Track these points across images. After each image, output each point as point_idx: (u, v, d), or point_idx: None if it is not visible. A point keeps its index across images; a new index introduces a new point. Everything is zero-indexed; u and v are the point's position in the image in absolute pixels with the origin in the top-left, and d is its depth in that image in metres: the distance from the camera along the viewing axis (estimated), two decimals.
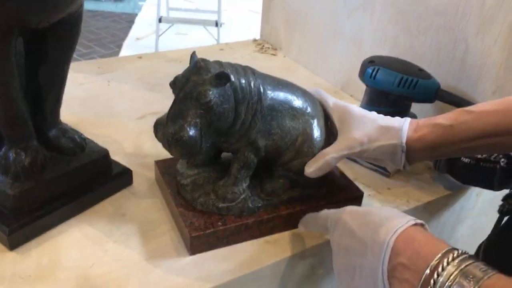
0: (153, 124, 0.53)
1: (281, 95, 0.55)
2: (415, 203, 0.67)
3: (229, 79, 0.50)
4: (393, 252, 0.41)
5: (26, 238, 0.54)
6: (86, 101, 0.86)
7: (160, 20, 3.17)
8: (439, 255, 0.38)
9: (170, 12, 3.56)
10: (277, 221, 0.57)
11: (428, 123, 0.53)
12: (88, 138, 0.64)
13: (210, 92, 0.49)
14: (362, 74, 0.73)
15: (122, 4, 4.36)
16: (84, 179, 0.60)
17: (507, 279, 0.36)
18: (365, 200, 0.65)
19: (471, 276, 0.36)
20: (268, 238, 0.58)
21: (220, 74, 0.49)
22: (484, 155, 0.64)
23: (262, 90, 0.53)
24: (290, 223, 0.58)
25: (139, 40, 3.62)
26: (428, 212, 0.69)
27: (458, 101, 0.70)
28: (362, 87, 0.75)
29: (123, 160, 0.67)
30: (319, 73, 1.06)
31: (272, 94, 0.54)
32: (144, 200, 0.62)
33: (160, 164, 0.64)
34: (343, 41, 0.97)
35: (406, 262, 0.40)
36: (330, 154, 0.54)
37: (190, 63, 0.53)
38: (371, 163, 0.73)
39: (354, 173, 0.72)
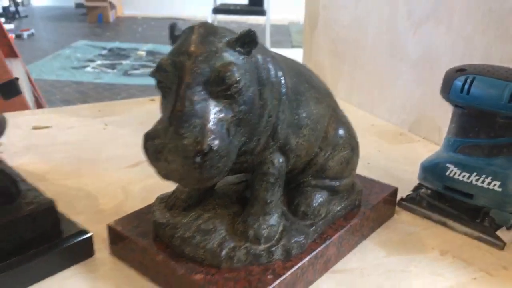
0: (145, 170, 0.34)
1: (296, 71, 0.39)
2: None
3: (256, 42, 0.32)
4: None
5: None
6: (68, 147, 0.66)
7: None
8: None
9: None
10: (331, 251, 0.41)
11: None
12: (30, 185, 0.43)
13: (235, 67, 0.30)
14: (447, 90, 0.49)
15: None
16: (12, 245, 0.38)
17: None
18: (470, 286, 0.39)
19: None
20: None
21: (245, 35, 0.31)
22: None
23: (278, 66, 0.35)
24: (341, 250, 0.42)
25: None
26: None
27: None
28: (439, 124, 0.51)
29: (91, 220, 0.45)
30: (378, 113, 0.82)
31: (290, 72, 0.37)
32: (108, 280, 0.39)
33: (120, 225, 0.41)
34: (408, 65, 0.73)
35: None
36: None
37: (172, 34, 0.33)
38: (477, 232, 0.46)
39: (443, 241, 0.46)
